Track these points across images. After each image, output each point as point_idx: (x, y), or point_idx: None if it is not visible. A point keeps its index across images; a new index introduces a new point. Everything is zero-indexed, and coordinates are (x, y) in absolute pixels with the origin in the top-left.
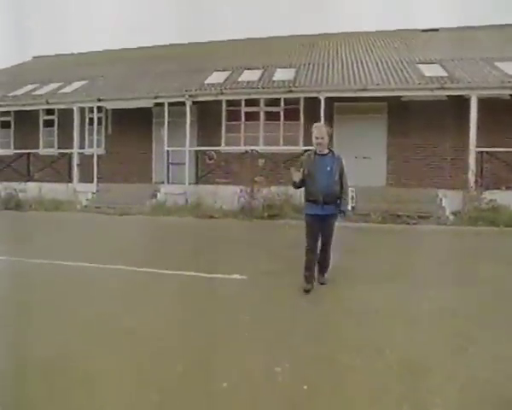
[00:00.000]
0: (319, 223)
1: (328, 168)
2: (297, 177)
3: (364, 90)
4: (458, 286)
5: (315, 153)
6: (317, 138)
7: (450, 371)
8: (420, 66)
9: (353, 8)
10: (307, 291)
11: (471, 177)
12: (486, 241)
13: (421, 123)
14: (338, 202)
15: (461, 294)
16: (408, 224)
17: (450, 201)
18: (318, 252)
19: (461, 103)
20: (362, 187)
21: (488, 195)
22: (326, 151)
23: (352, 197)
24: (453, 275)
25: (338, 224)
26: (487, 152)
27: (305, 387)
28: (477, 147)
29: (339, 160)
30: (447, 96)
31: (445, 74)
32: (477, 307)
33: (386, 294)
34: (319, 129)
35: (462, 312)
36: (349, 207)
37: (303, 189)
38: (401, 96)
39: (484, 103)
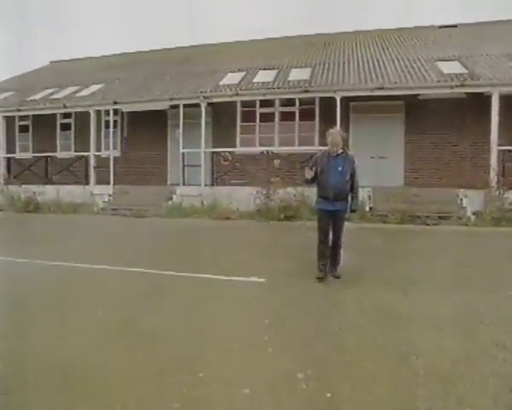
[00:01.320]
0: (330, 217)
1: (340, 168)
2: (309, 175)
3: (381, 88)
4: (485, 290)
5: (328, 153)
6: (332, 146)
7: (480, 379)
8: (438, 63)
9: (369, 6)
10: (320, 279)
11: (493, 176)
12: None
13: (439, 121)
14: (349, 200)
15: (487, 298)
16: (428, 225)
17: (471, 201)
18: (330, 246)
19: (480, 101)
20: (379, 187)
21: (511, 194)
22: (340, 151)
23: (369, 198)
24: (479, 278)
25: (356, 225)
26: (509, 150)
27: (329, 395)
28: (498, 145)
29: (351, 160)
30: (466, 93)
31: (464, 71)
32: (506, 311)
33: (410, 297)
34: (334, 136)
35: (489, 316)
36: (367, 208)
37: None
38: (418, 95)
39: (504, 100)
